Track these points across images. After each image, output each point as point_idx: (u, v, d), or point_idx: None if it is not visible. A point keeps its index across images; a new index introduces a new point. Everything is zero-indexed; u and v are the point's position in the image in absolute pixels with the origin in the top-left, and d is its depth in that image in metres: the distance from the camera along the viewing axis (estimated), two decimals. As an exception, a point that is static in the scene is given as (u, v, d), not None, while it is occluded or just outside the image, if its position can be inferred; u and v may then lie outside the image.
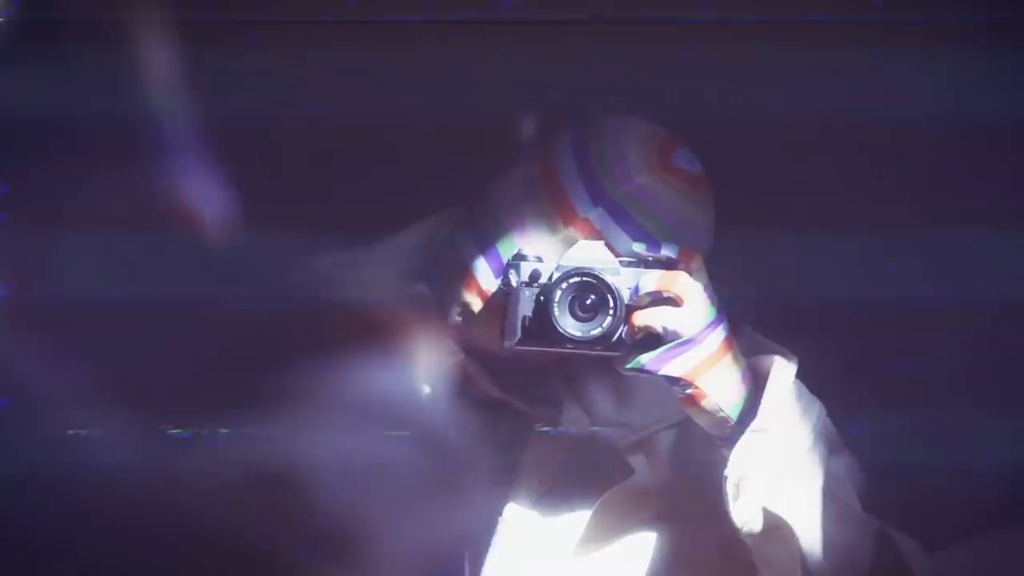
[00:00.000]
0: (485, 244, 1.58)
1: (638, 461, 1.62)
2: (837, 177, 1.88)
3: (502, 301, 1.53)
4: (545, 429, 1.63)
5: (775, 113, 1.77)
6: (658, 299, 1.49)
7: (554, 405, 1.64)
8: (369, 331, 0.75)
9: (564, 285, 1.49)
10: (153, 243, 0.79)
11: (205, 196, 0.79)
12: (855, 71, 1.80)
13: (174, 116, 0.79)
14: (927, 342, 1.85)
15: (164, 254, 0.79)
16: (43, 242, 0.76)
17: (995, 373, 1.81)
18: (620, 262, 1.51)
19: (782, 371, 1.51)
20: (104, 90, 0.79)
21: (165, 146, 0.79)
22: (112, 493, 0.72)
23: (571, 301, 1.50)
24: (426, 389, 0.79)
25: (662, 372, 1.49)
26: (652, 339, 1.48)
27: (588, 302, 1.49)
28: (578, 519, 1.60)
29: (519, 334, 1.51)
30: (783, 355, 1.53)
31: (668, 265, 1.50)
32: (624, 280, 1.50)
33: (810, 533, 1.50)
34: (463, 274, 1.59)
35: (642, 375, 1.50)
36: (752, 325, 1.60)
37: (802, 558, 1.50)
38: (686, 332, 1.48)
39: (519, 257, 1.53)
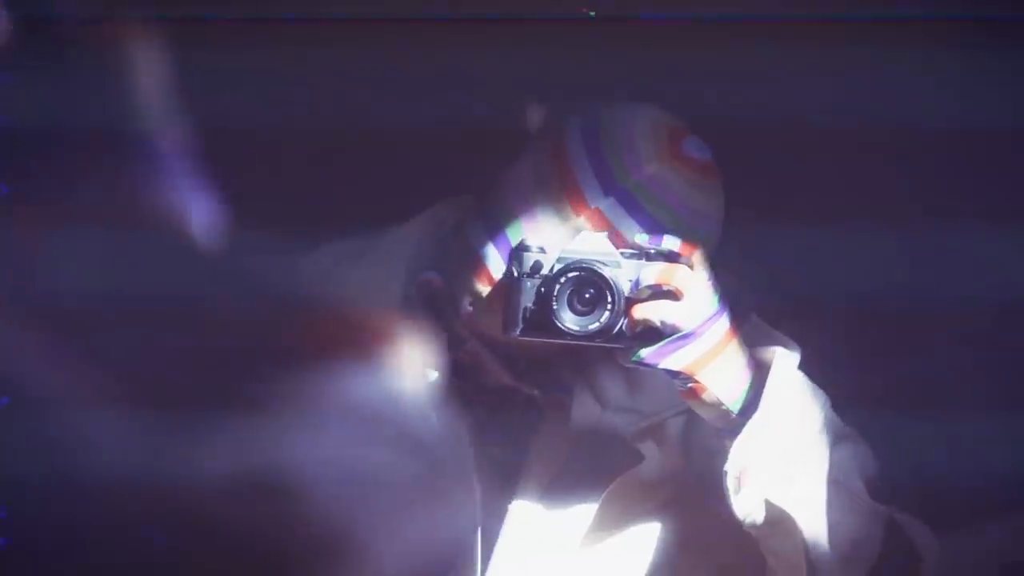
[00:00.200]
0: (495, 232, 1.58)
1: (648, 448, 1.61)
2: (837, 176, 1.88)
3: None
4: (555, 416, 1.63)
5: (777, 111, 1.77)
6: (658, 292, 1.48)
7: (565, 392, 1.63)
8: (359, 335, 0.75)
9: (563, 279, 1.49)
10: (148, 244, 0.78)
11: (199, 196, 0.79)
12: (855, 71, 1.80)
13: (168, 116, 0.79)
14: (927, 341, 1.85)
15: (160, 255, 0.79)
16: (39, 242, 0.75)
17: (996, 373, 1.80)
18: (622, 254, 1.50)
19: (783, 363, 1.50)
20: (96, 89, 0.79)
21: (159, 146, 0.78)
22: (103, 496, 0.71)
23: (570, 295, 1.50)
24: (423, 386, 0.78)
25: (662, 365, 1.48)
26: (652, 332, 1.48)
27: (587, 296, 1.49)
28: (586, 508, 1.60)
29: (520, 325, 1.51)
30: (786, 345, 1.52)
31: (669, 258, 1.49)
32: (625, 272, 1.49)
33: (814, 524, 1.50)
34: (473, 262, 1.58)
35: (642, 368, 1.49)
36: (758, 313, 1.60)
37: (806, 549, 1.49)
38: (686, 326, 1.47)
39: (522, 247, 1.52)
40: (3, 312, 0.72)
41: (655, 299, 1.48)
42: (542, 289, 1.50)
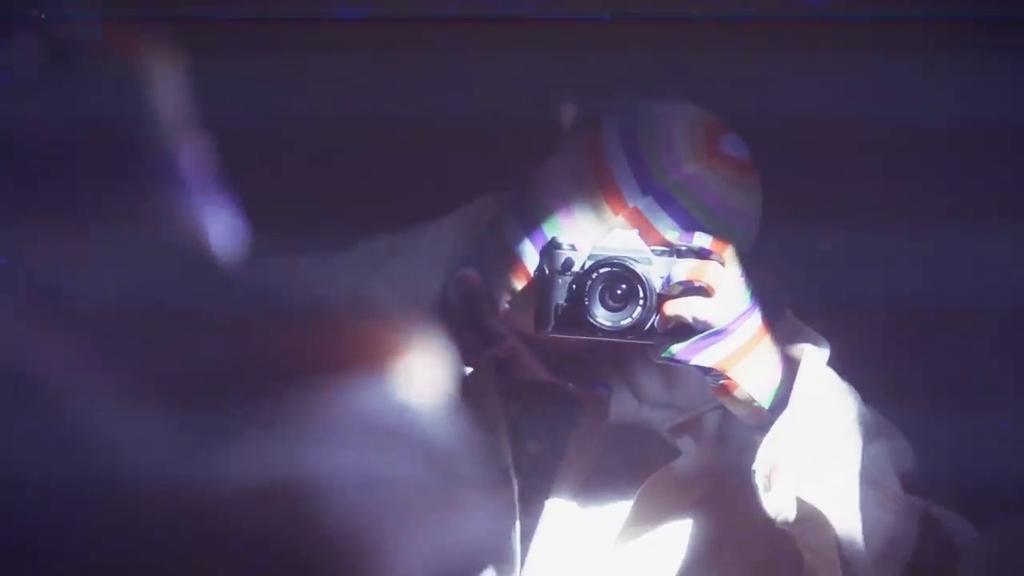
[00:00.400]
0: (532, 230, 1.58)
1: (685, 443, 1.61)
2: (837, 175, 1.87)
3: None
4: (593, 411, 1.63)
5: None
6: (690, 288, 1.49)
7: (604, 387, 1.64)
8: (381, 343, 0.74)
9: (595, 275, 1.50)
10: (155, 248, 0.78)
11: (219, 202, 0.79)
12: (855, 70, 1.79)
13: (174, 118, 0.79)
14: (928, 340, 1.84)
15: (177, 260, 0.79)
16: (39, 243, 0.76)
17: (998, 373, 1.79)
18: (653, 251, 1.50)
19: (812, 360, 1.50)
20: (104, 92, 0.79)
21: (176, 154, 0.79)
22: (113, 498, 0.72)
23: (602, 291, 1.50)
24: (443, 395, 0.78)
25: (693, 362, 1.48)
26: (684, 329, 1.48)
27: (619, 292, 1.49)
28: (622, 504, 1.60)
29: (552, 322, 1.52)
30: (815, 342, 1.52)
31: (700, 254, 1.49)
32: (657, 269, 1.50)
33: (847, 522, 1.49)
34: (510, 259, 1.59)
35: (674, 364, 1.50)
36: (795, 311, 1.59)
37: (839, 546, 1.49)
38: (717, 322, 1.47)
39: (554, 245, 1.53)
40: (16, 317, 0.72)
41: (687, 295, 1.48)
42: (574, 286, 1.50)
